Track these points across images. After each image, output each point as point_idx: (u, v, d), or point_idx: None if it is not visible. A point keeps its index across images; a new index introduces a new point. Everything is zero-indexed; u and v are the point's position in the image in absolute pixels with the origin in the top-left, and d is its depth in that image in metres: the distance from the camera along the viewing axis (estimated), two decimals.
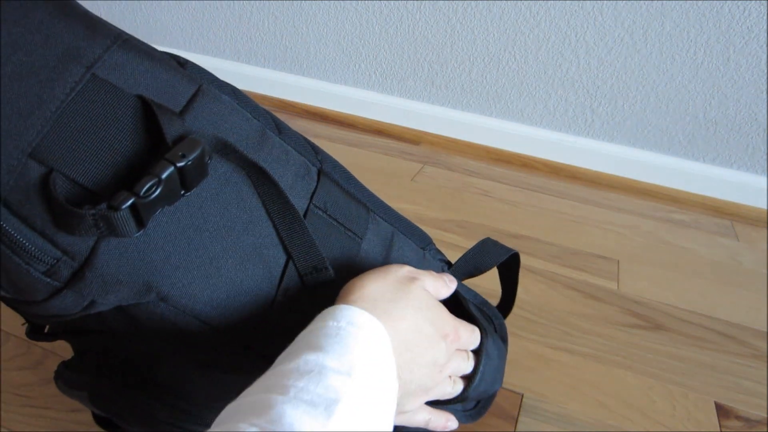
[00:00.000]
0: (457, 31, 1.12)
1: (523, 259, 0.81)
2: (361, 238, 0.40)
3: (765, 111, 1.00)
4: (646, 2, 0.97)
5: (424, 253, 0.47)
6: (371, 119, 1.27)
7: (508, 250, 0.52)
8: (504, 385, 0.59)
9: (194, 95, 0.32)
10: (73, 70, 0.28)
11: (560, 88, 1.10)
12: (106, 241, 0.28)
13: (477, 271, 0.51)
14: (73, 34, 0.28)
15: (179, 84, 0.32)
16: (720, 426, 0.57)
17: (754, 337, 0.71)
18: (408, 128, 1.24)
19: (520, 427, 0.55)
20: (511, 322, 0.68)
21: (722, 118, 1.03)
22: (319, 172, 0.39)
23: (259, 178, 0.33)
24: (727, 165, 1.07)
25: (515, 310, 0.70)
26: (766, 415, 0.59)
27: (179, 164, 0.27)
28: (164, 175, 0.27)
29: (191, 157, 0.27)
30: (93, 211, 0.26)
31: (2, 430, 0.49)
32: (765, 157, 1.04)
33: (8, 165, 0.26)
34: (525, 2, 1.04)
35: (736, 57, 0.97)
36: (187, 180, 0.28)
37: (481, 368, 0.45)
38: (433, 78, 1.19)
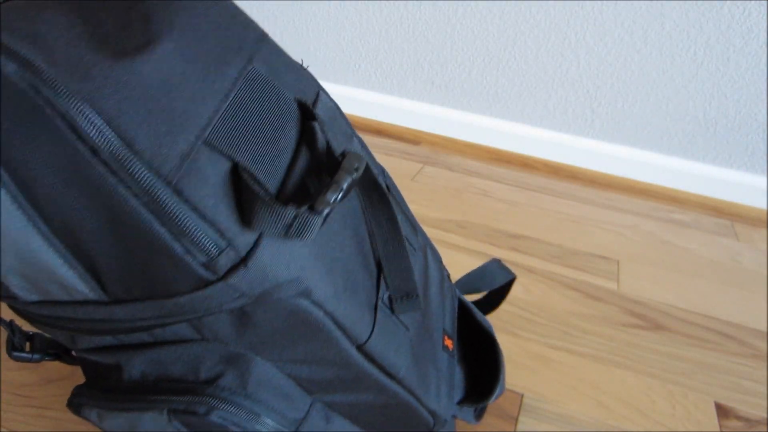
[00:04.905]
0: (457, 31, 1.12)
1: (523, 259, 0.81)
2: (416, 250, 0.42)
3: (765, 111, 1.00)
4: (646, 2, 0.97)
5: (442, 269, 0.49)
6: (371, 119, 1.27)
7: (508, 275, 0.54)
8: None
9: (316, 98, 0.34)
10: (236, 62, 0.28)
11: (560, 88, 1.10)
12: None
13: (476, 290, 0.53)
14: (234, 24, 0.29)
15: (309, 85, 0.33)
16: (720, 426, 0.57)
17: (754, 337, 0.71)
18: (408, 128, 1.24)
19: (520, 427, 0.55)
20: (511, 322, 0.68)
21: (722, 118, 1.03)
22: (387, 187, 0.41)
23: (377, 197, 0.33)
24: (727, 165, 1.07)
25: (515, 310, 0.70)
26: (766, 415, 0.59)
27: (354, 177, 0.27)
28: (345, 186, 0.26)
29: (361, 171, 0.28)
30: (296, 211, 0.25)
31: (2, 430, 0.49)
32: (765, 157, 1.04)
33: (182, 151, 0.25)
34: (525, 2, 1.04)
35: (736, 57, 0.97)
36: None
37: (501, 376, 0.47)
38: (433, 78, 1.19)
